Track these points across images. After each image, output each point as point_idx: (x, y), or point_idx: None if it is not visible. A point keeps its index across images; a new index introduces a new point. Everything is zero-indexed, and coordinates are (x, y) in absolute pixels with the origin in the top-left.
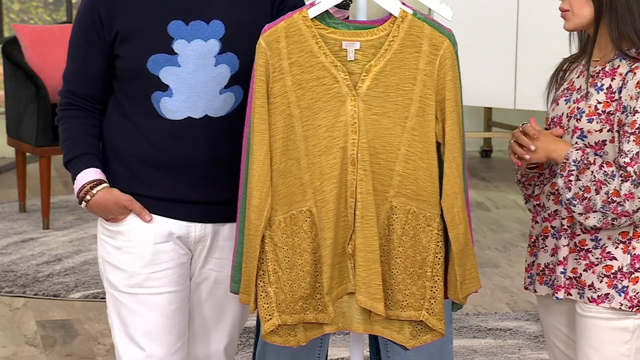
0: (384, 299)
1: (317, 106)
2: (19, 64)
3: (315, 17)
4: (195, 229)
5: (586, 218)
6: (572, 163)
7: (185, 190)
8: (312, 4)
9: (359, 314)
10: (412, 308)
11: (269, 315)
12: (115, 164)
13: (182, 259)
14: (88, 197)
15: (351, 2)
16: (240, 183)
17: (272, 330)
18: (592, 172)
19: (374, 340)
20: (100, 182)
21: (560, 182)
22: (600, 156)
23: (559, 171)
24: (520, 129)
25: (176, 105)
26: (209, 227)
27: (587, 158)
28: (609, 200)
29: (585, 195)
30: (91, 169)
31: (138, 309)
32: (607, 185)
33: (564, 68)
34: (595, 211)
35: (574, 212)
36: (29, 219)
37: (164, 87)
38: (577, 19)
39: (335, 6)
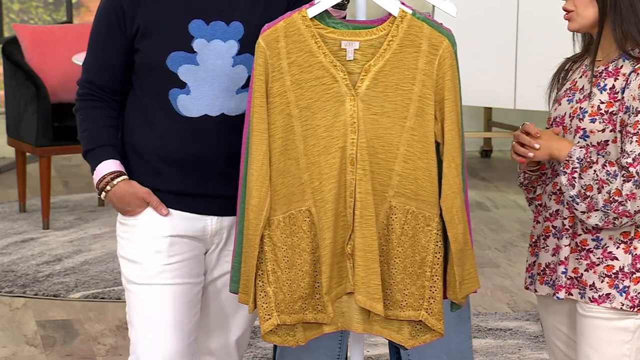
0: (383, 299)
1: (316, 106)
2: (19, 64)
3: (314, 17)
4: (212, 222)
5: (588, 217)
6: (576, 161)
7: (201, 185)
8: (312, 4)
9: (358, 314)
10: (411, 308)
11: (268, 315)
12: (132, 159)
13: (196, 252)
14: (108, 187)
15: (347, 2)
16: (239, 183)
17: (271, 330)
18: (595, 170)
19: None
20: (120, 173)
21: (563, 179)
22: (603, 156)
23: (562, 169)
24: (521, 129)
25: (193, 103)
26: (225, 221)
27: (590, 157)
28: (611, 199)
29: (587, 193)
30: (111, 160)
31: (151, 301)
32: (609, 185)
33: (566, 68)
34: (597, 210)
35: (576, 210)
36: (29, 219)
37: (182, 85)
38: (581, 20)
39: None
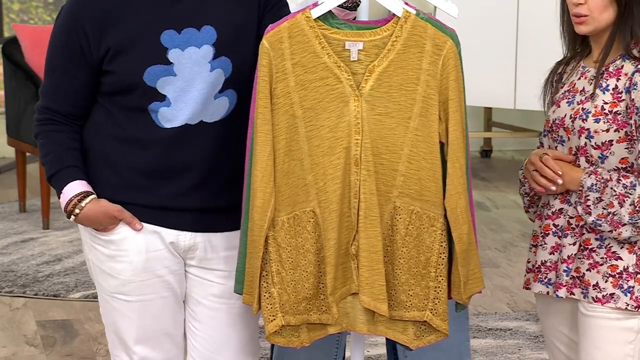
0: (388, 300)
1: (320, 106)
2: (19, 64)
3: (318, 18)
4: (185, 238)
5: (619, 234)
6: (588, 190)
7: (176, 198)
8: (315, 4)
9: (362, 315)
10: (416, 308)
11: (273, 316)
12: (104, 172)
13: (175, 267)
14: (77, 210)
15: (359, 3)
16: (243, 184)
17: (275, 331)
18: (611, 187)
19: (391, 339)
20: (87, 194)
21: (579, 209)
22: (615, 169)
23: (577, 199)
24: (543, 160)
25: (174, 114)
26: (199, 237)
27: (602, 177)
28: (637, 209)
29: (609, 210)
30: (77, 181)
31: (130, 314)
32: (630, 197)
33: (559, 71)
34: (625, 224)
35: (602, 231)
36: (29, 219)
37: (162, 98)
38: (597, 23)
39: (344, 8)
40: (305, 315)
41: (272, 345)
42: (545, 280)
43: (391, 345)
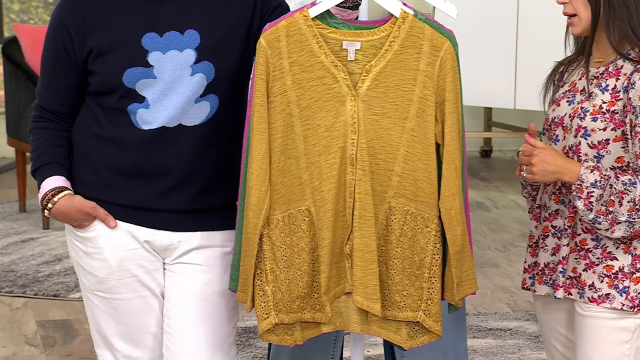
0: (382, 300)
1: (317, 106)
2: (19, 64)
3: (316, 17)
4: (162, 237)
5: (612, 232)
6: (591, 186)
7: (153, 199)
8: (313, 4)
9: (356, 314)
10: (409, 309)
11: (266, 314)
12: (84, 170)
13: (152, 266)
14: (50, 205)
15: (360, 3)
16: (239, 182)
17: (269, 329)
18: (611, 185)
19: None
20: (62, 189)
21: (579, 204)
22: (612, 168)
23: (576, 193)
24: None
25: (152, 116)
26: (176, 236)
27: (605, 174)
28: (636, 207)
29: (610, 209)
30: (55, 176)
31: (110, 312)
32: (628, 194)
33: (560, 70)
34: (619, 222)
35: (599, 229)
36: (29, 219)
37: (141, 99)
38: (583, 23)
39: (345, 7)
40: (299, 314)
41: (270, 344)
42: (550, 282)
43: (388, 345)
